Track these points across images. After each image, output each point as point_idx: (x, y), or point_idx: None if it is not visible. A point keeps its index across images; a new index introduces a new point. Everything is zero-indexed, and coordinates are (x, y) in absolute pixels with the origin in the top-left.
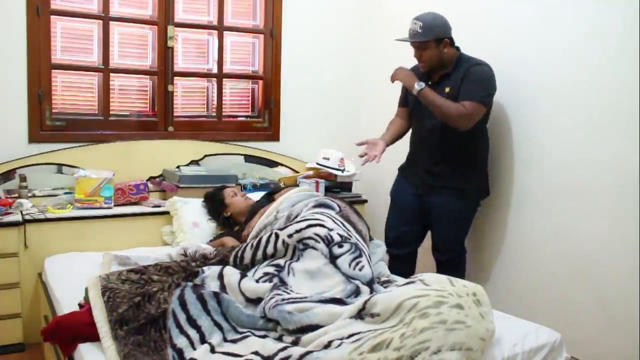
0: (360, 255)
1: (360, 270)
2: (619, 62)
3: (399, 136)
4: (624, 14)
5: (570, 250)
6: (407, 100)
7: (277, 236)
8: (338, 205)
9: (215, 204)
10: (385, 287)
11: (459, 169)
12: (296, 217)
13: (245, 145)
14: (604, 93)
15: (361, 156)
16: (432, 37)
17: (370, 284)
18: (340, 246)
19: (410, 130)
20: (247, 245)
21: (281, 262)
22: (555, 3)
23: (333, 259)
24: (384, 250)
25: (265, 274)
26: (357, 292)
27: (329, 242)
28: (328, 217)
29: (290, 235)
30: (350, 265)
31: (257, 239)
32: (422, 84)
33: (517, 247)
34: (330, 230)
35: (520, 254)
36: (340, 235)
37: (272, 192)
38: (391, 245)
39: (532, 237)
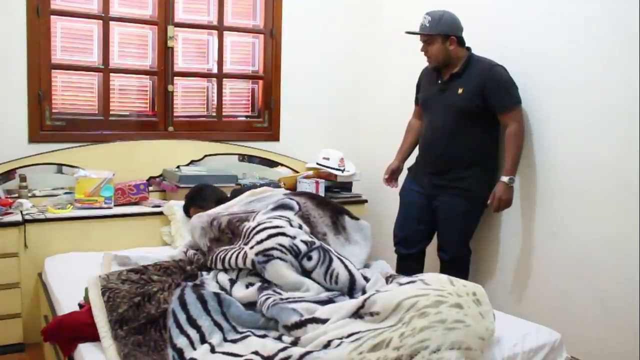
0: (331, 261)
1: (336, 282)
2: (619, 63)
3: (417, 143)
4: (624, 15)
5: (570, 250)
6: (419, 99)
7: (241, 249)
8: (298, 204)
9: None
10: (389, 282)
11: (467, 169)
12: (252, 211)
13: (245, 145)
14: (604, 94)
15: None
16: (437, 32)
17: (350, 291)
18: (309, 258)
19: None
20: (215, 257)
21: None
22: (555, 4)
23: (306, 274)
24: (368, 231)
25: (250, 284)
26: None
27: (296, 254)
28: (286, 220)
29: (252, 247)
30: (325, 279)
31: (224, 250)
32: (508, 179)
33: (517, 247)
34: (294, 238)
35: (520, 254)
36: (305, 242)
37: None
38: (399, 245)
39: (532, 237)
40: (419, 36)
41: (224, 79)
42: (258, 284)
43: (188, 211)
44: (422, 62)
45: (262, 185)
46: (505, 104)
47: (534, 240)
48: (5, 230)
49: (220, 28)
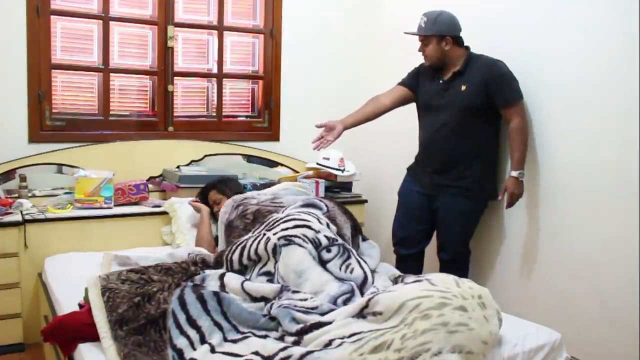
0: (349, 257)
1: (351, 272)
2: (620, 63)
3: (370, 118)
4: (625, 15)
5: (570, 250)
6: (411, 84)
7: (263, 235)
8: (326, 206)
9: (204, 201)
10: (394, 283)
11: (469, 168)
12: (280, 205)
13: (245, 145)
14: (604, 94)
15: (314, 141)
16: (432, 33)
17: (362, 286)
18: (329, 250)
19: (419, 130)
20: (235, 246)
21: (271, 268)
22: (557, 4)
23: (323, 263)
24: (379, 251)
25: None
26: (352, 292)
27: (317, 245)
28: (314, 217)
29: (275, 233)
30: (340, 269)
31: (244, 239)
32: (517, 174)
33: (517, 247)
34: (317, 232)
35: (521, 254)
36: (328, 238)
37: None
38: (399, 245)
39: (532, 237)
40: (418, 37)
41: (224, 79)
42: (280, 284)
43: (207, 195)
44: (422, 62)
45: (262, 185)
46: (508, 99)
47: (534, 240)
48: (5, 230)
49: (220, 28)
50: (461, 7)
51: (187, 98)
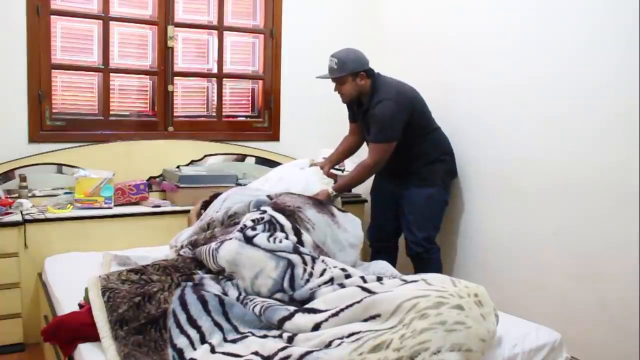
0: (274, 231)
1: (280, 242)
2: (620, 63)
3: (347, 153)
4: (625, 15)
5: (570, 250)
6: (353, 116)
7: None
8: (270, 197)
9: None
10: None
11: (422, 170)
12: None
13: (245, 145)
14: (604, 93)
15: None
16: (347, 72)
17: (296, 250)
18: (254, 229)
19: None
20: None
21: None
22: (558, 4)
23: (249, 240)
24: (357, 225)
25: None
26: (292, 266)
27: (241, 228)
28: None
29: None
30: (269, 241)
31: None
32: (333, 191)
33: (517, 247)
34: (245, 220)
35: (520, 254)
36: (253, 220)
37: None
38: (373, 240)
39: (532, 237)
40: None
41: (224, 79)
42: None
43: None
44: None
45: None
46: (372, 137)
47: (535, 240)
48: (5, 230)
49: (220, 28)
50: (459, 7)
51: (187, 98)
